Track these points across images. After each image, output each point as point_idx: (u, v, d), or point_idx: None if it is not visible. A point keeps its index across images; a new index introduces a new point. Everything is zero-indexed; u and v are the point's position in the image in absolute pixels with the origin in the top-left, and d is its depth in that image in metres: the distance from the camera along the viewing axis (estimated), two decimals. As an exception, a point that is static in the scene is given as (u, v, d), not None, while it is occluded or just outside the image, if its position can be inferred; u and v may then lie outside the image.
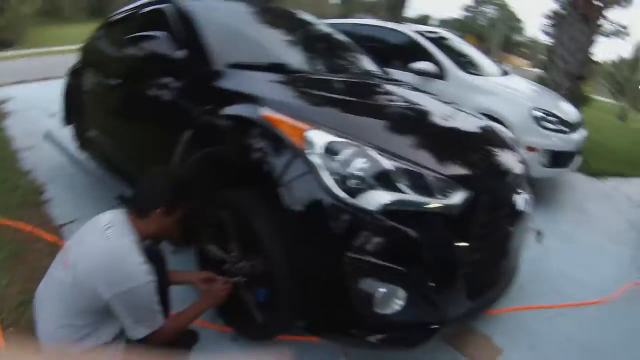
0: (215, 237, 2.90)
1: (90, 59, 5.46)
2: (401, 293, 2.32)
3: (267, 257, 2.48)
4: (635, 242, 5.67)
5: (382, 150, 2.40)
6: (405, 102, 3.53)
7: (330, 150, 2.34)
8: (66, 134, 5.76)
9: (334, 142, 2.38)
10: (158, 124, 3.53)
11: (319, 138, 2.39)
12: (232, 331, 2.86)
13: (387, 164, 2.33)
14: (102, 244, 1.99)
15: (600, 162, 9.05)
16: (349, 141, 2.39)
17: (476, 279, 2.61)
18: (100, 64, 5.00)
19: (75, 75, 5.59)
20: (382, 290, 2.27)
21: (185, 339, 2.44)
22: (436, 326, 2.47)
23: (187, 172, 2.75)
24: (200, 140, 2.96)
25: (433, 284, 2.36)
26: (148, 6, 4.36)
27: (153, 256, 2.17)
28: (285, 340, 2.73)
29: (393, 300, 2.32)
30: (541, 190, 6.26)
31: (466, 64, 7.05)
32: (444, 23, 62.56)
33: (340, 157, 2.33)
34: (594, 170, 8.33)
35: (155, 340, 2.06)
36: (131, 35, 3.70)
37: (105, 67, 4.77)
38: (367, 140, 2.44)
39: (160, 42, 3.40)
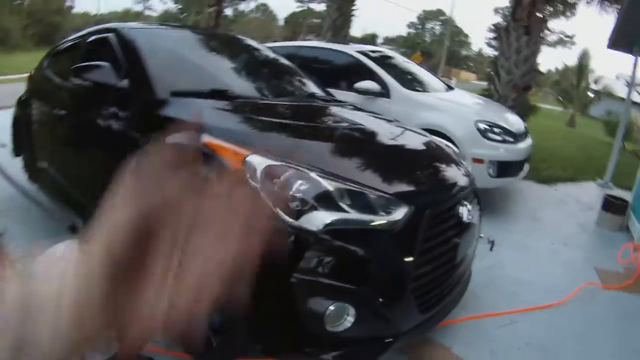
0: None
1: (37, 88, 5.39)
2: (351, 310, 2.36)
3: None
4: (587, 244, 5.89)
5: (323, 172, 2.45)
6: (347, 122, 3.61)
7: (270, 174, 2.38)
8: (17, 165, 5.67)
9: (273, 165, 2.42)
10: (106, 153, 3.51)
11: (259, 162, 2.43)
12: (189, 357, 2.84)
13: (327, 184, 2.39)
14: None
15: (551, 168, 9.34)
16: (288, 164, 2.43)
17: (426, 291, 2.68)
18: (47, 93, 4.96)
19: (23, 105, 5.50)
20: (332, 308, 2.31)
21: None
22: (390, 340, 2.52)
23: None
24: None
25: (382, 299, 2.41)
26: (93, 35, 4.37)
27: None
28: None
29: (344, 318, 2.36)
30: (493, 200, 6.42)
31: (410, 81, 7.21)
32: (391, 41, 63.35)
33: (280, 180, 2.37)
34: (544, 177, 8.58)
35: None
36: (77, 65, 3.69)
37: (52, 97, 4.74)
38: (307, 162, 2.49)
39: (104, 72, 3.42)
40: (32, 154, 5.21)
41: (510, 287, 4.22)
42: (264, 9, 60.05)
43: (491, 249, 4.38)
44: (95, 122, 3.63)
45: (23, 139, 5.47)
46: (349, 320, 2.37)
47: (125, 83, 3.41)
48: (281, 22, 59.35)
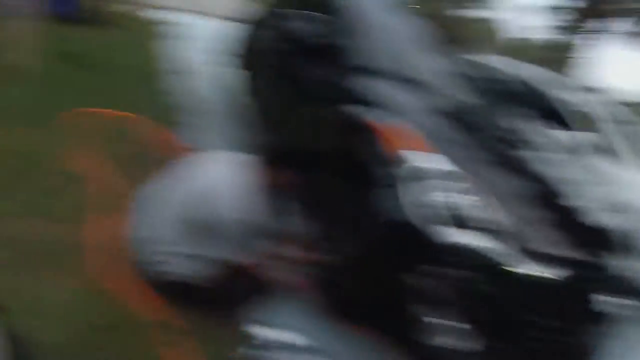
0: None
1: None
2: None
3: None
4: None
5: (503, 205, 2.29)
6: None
7: (443, 176, 2.27)
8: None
9: (452, 170, 2.31)
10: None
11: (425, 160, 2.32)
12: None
13: (502, 218, 2.23)
14: None
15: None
16: (466, 176, 2.31)
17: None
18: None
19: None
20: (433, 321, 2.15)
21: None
22: None
23: None
24: None
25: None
26: None
27: None
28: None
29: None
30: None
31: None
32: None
33: (448, 186, 2.24)
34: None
35: None
36: None
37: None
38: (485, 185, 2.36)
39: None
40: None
41: None
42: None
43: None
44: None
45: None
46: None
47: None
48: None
